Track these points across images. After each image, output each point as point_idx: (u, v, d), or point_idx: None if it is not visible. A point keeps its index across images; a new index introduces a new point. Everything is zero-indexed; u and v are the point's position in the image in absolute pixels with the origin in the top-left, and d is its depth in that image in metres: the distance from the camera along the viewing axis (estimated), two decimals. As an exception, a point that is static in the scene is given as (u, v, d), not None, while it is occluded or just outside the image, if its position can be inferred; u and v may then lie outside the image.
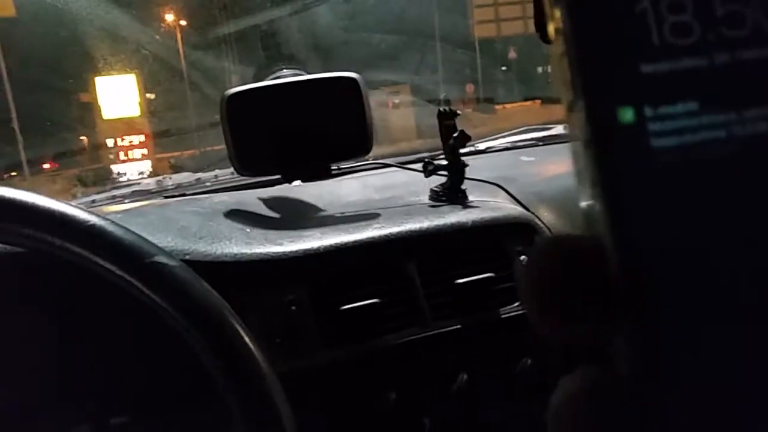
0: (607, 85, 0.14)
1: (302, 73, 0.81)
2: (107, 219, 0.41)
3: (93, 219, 0.40)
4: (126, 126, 4.06)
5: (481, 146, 1.21)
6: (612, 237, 0.15)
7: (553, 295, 0.15)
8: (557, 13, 0.15)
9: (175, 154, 4.01)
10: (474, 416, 0.69)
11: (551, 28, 0.16)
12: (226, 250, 0.63)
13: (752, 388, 0.14)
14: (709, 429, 0.14)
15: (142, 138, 4.18)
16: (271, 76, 0.79)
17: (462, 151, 0.82)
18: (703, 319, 0.14)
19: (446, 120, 0.81)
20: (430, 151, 1.09)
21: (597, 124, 0.15)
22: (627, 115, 0.14)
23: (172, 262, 0.41)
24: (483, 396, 0.69)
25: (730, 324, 0.14)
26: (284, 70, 0.81)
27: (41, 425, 0.59)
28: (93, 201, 1.03)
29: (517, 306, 0.70)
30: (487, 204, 0.80)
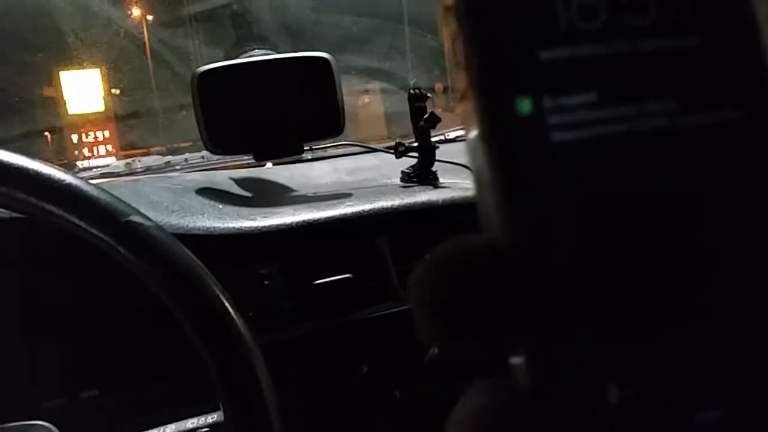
0: (504, 71, 0.13)
1: (273, 53, 0.82)
2: (83, 179, 0.41)
3: (69, 178, 0.40)
4: (91, 122, 3.97)
5: (451, 135, 1.23)
6: (509, 242, 0.13)
7: (440, 308, 0.14)
8: None
9: (143, 150, 3.93)
10: (444, 388, 0.70)
11: (443, 3, 0.14)
12: (199, 224, 0.63)
13: (653, 399, 0.13)
14: None
15: (107, 134, 4.08)
16: (243, 56, 0.79)
17: (433, 139, 0.84)
18: (608, 330, 0.13)
19: (417, 102, 0.83)
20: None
21: (492, 115, 0.13)
22: (525, 105, 0.13)
23: (147, 222, 0.41)
24: (453, 369, 0.70)
25: (637, 334, 0.13)
26: (255, 50, 0.81)
27: (11, 401, 0.59)
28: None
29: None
30: (457, 185, 0.82)
